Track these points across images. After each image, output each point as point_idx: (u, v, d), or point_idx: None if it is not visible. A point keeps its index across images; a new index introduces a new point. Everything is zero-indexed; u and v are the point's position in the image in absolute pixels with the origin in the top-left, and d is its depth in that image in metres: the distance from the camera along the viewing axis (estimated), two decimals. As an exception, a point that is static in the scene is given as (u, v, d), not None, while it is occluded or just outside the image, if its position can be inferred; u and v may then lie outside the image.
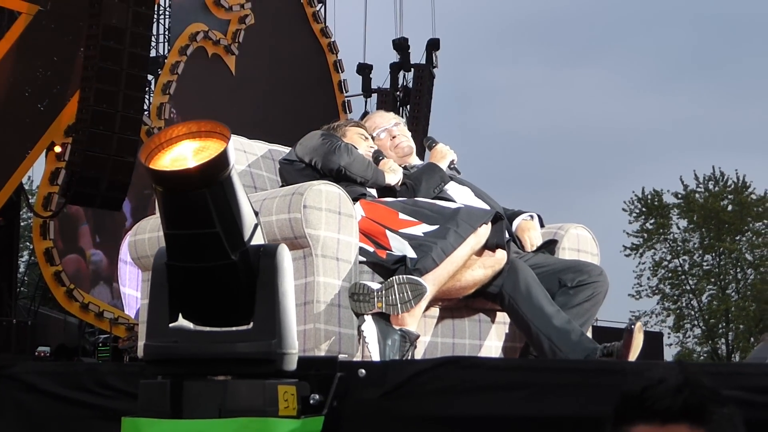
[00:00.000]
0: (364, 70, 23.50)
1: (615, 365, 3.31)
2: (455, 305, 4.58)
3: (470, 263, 4.36)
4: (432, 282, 4.18)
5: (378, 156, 4.85)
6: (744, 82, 79.10)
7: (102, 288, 18.01)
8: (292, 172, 4.65)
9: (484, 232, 4.36)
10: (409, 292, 4.04)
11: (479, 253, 4.39)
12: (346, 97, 22.60)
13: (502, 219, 4.50)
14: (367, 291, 4.07)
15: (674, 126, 78.60)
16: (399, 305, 4.04)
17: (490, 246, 4.41)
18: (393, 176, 4.75)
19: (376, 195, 4.72)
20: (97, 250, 18.23)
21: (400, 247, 4.26)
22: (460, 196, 4.88)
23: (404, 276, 4.11)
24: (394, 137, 5.20)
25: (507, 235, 4.53)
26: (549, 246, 4.91)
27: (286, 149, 4.98)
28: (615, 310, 39.94)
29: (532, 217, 5.02)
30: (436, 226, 4.30)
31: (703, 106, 79.19)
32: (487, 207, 4.75)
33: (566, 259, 4.87)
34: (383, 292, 4.06)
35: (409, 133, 5.34)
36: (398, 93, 23.09)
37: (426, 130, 21.84)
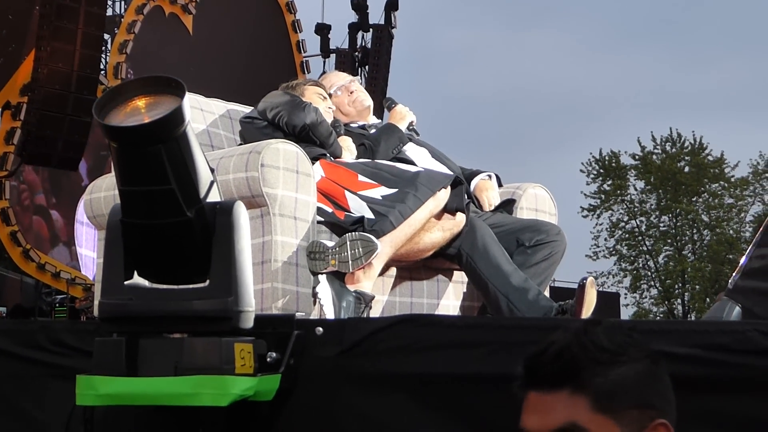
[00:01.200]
0: (323, 30, 23.34)
1: (573, 323, 3.32)
2: (413, 265, 4.57)
3: (429, 226, 4.35)
4: (389, 244, 4.18)
5: (337, 128, 4.81)
6: (702, 43, 79.43)
7: (61, 249, 17.89)
8: (252, 131, 4.60)
9: (443, 196, 4.35)
10: (360, 249, 4.03)
11: (438, 216, 4.39)
12: (305, 57, 22.36)
13: (461, 183, 4.49)
14: (323, 249, 4.06)
15: (632, 87, 78.87)
16: (350, 262, 4.03)
17: (449, 210, 4.41)
18: (348, 155, 4.70)
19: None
20: (53, 210, 18.09)
21: (358, 208, 4.24)
22: (418, 157, 4.86)
23: (356, 233, 4.10)
24: (351, 92, 5.18)
25: (466, 198, 4.52)
26: (507, 206, 4.92)
27: (245, 108, 4.94)
28: (572, 270, 40.27)
29: (490, 176, 5.02)
30: (395, 190, 4.28)
31: (661, 68, 79.45)
32: (446, 169, 4.75)
33: (524, 219, 4.88)
34: (336, 249, 4.05)
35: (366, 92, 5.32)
36: (357, 54, 22.93)
37: (384, 91, 21.77)
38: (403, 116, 5.03)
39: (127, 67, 18.32)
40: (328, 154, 4.53)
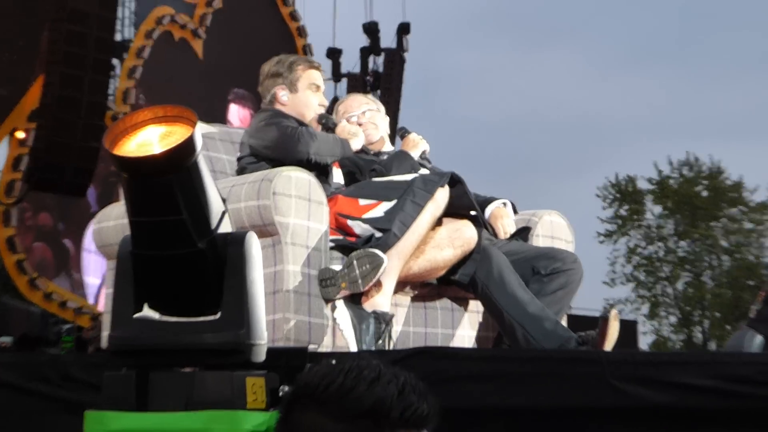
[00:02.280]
0: (334, 54, 23.30)
1: (590, 354, 3.30)
2: (427, 293, 4.57)
3: (440, 244, 4.36)
4: (396, 256, 4.18)
5: (327, 123, 4.81)
6: (718, 65, 79.36)
7: (64, 276, 17.88)
8: (246, 169, 4.54)
9: (442, 196, 4.35)
10: (368, 265, 4.01)
11: (440, 222, 4.39)
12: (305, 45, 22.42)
13: (460, 182, 4.48)
14: (332, 274, 4.06)
15: (648, 111, 78.75)
16: (360, 281, 4.02)
17: (457, 209, 4.42)
18: (356, 140, 4.73)
19: (342, 182, 4.69)
20: (60, 236, 18.08)
21: (363, 231, 4.25)
22: None
23: (361, 250, 4.09)
24: (360, 125, 5.13)
25: (472, 199, 4.52)
26: (522, 233, 4.91)
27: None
28: (589, 297, 39.81)
29: (505, 204, 5.00)
30: (395, 201, 4.28)
31: (677, 91, 79.37)
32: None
33: (540, 247, 4.86)
34: (345, 271, 4.05)
35: (385, 118, 5.27)
36: (368, 78, 22.83)
37: (396, 115, 21.70)
38: (415, 144, 5.03)
39: (137, 92, 18.37)
40: (330, 183, 4.54)
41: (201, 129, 4.69)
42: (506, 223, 4.91)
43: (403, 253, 4.21)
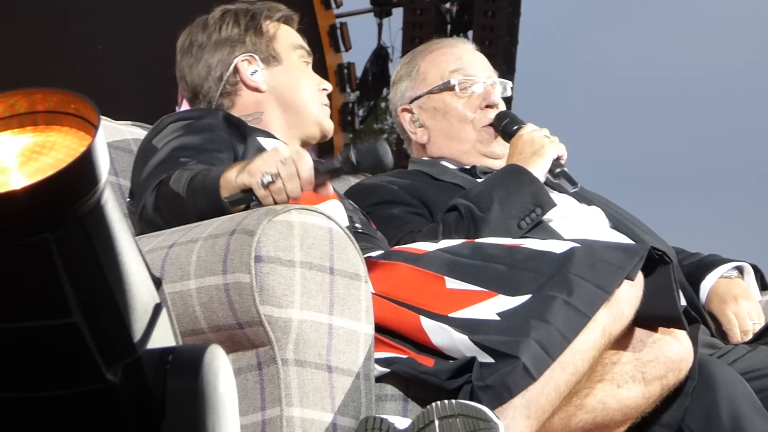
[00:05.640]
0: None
1: None
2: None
3: (618, 377, 2.69)
4: (526, 414, 2.48)
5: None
6: None
7: None
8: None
9: (629, 295, 2.60)
10: None
11: (625, 341, 2.70)
12: (338, 14, 12.11)
13: (668, 263, 2.70)
14: (386, 429, 2.44)
15: None
16: None
17: (652, 320, 2.70)
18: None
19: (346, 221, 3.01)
20: None
21: (452, 344, 2.59)
22: (576, 227, 3.20)
23: (455, 402, 2.40)
24: (489, 106, 3.46)
25: (683, 301, 2.85)
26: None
27: None
28: None
29: (740, 271, 3.37)
30: (527, 296, 2.58)
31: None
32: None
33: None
34: None
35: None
36: (447, 4, 12.43)
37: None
38: (538, 148, 3.24)
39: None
40: (374, 239, 3.05)
41: (109, 133, 3.19)
42: (744, 311, 3.25)
43: (539, 411, 2.51)
